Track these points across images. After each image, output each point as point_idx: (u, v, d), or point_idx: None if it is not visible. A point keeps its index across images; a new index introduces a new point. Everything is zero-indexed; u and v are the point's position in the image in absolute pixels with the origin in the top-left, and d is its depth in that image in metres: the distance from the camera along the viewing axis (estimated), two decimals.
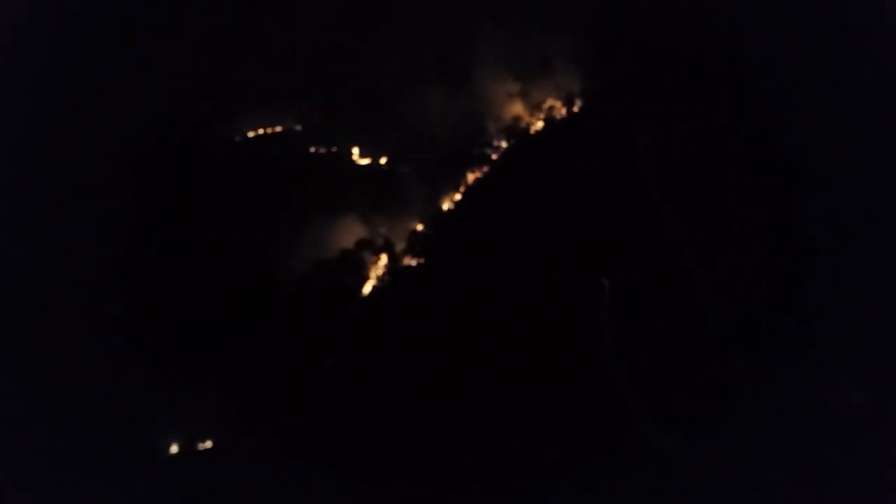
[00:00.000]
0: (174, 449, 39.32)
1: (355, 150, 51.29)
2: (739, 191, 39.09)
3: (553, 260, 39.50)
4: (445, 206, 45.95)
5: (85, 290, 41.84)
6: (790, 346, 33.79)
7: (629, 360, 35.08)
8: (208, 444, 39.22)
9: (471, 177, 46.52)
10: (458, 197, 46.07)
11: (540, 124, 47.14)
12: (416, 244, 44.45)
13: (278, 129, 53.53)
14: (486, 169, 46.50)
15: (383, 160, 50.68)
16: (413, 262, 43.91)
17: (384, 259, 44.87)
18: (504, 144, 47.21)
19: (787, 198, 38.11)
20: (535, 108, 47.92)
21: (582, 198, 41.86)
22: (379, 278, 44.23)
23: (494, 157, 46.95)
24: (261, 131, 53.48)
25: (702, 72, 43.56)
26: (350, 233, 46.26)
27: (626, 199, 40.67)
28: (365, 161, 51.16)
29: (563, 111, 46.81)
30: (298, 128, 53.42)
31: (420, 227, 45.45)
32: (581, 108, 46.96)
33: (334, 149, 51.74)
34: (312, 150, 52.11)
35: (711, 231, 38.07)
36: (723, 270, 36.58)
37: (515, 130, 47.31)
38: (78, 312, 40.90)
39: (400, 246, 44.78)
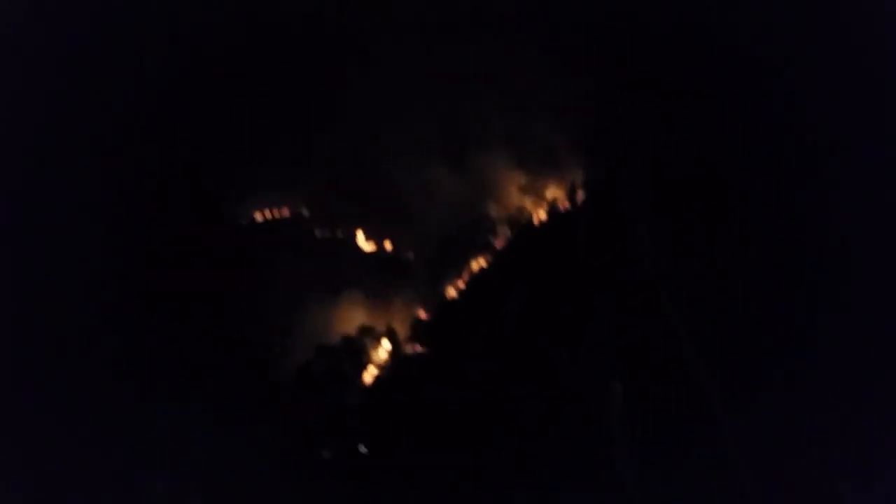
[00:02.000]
0: None
1: (360, 235, 51.64)
2: (743, 270, 38.83)
3: (558, 353, 39.06)
4: (449, 293, 45.90)
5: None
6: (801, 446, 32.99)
7: (637, 461, 34.28)
8: None
9: (475, 265, 46.63)
10: (461, 285, 46.06)
11: (543, 214, 47.54)
12: (418, 331, 44.18)
13: (285, 212, 54.05)
14: (489, 257, 46.65)
15: (388, 246, 50.96)
16: (415, 350, 43.55)
17: (386, 346, 44.52)
18: (508, 233, 47.51)
19: (795, 280, 37.66)
20: (538, 197, 48.43)
21: (586, 289, 41.71)
22: (380, 366, 43.80)
23: (498, 245, 47.18)
24: (267, 214, 53.98)
25: (713, 164, 43.66)
26: (352, 318, 46.11)
27: (631, 291, 40.46)
28: (369, 246, 51.43)
29: (567, 203, 47.28)
30: (305, 212, 53.93)
31: (423, 315, 45.27)
32: (585, 200, 47.36)
33: (339, 233, 52.12)
34: (318, 233, 52.49)
35: (716, 321, 37.77)
36: (729, 366, 36.09)
37: (519, 219, 47.67)
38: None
39: (402, 333, 44.56)
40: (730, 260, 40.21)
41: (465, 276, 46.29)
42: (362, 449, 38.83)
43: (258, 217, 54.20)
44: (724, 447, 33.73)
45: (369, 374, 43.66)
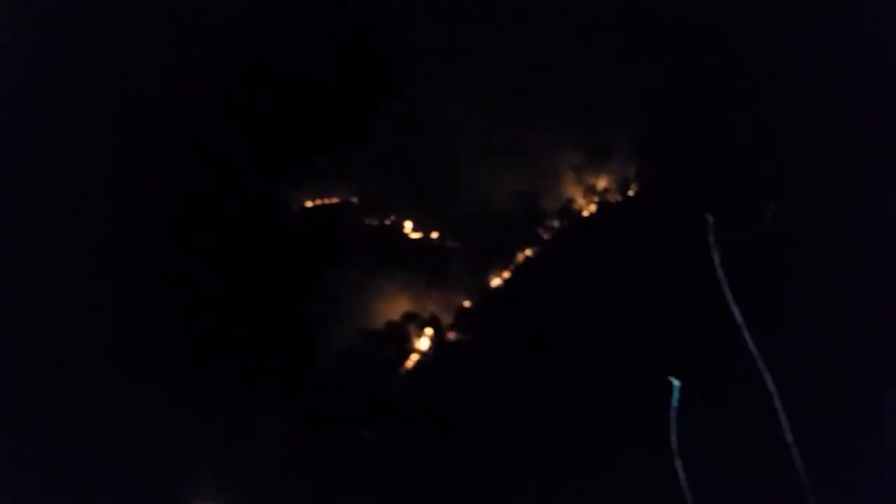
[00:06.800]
0: None
1: (408, 224, 51.63)
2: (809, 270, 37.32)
3: (604, 347, 38.42)
4: (494, 283, 45.59)
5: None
6: None
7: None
8: None
9: (521, 256, 46.25)
10: (507, 275, 45.71)
11: (593, 207, 46.94)
12: (462, 320, 44.02)
13: (335, 199, 54.33)
14: (537, 249, 46.23)
15: (434, 234, 50.84)
16: (459, 338, 43.40)
17: (430, 333, 44.45)
18: (557, 225, 47.00)
19: None
20: (589, 190, 47.83)
21: (635, 285, 41.01)
22: (423, 353, 43.74)
23: (546, 237, 46.72)
24: (318, 201, 54.29)
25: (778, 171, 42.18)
26: (397, 305, 46.11)
27: (678, 289, 39.44)
28: (417, 235, 51.39)
29: (618, 196, 46.60)
30: (354, 199, 54.13)
31: (467, 304, 45.07)
32: (636, 195, 46.64)
33: (388, 221, 52.17)
34: (366, 221, 52.62)
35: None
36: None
37: (569, 212, 47.14)
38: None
39: (446, 321, 44.39)
40: (791, 259, 38.97)
41: (511, 266, 45.93)
42: (366, 434, 38.84)
43: (308, 204, 54.54)
44: None
45: (412, 360, 43.63)
